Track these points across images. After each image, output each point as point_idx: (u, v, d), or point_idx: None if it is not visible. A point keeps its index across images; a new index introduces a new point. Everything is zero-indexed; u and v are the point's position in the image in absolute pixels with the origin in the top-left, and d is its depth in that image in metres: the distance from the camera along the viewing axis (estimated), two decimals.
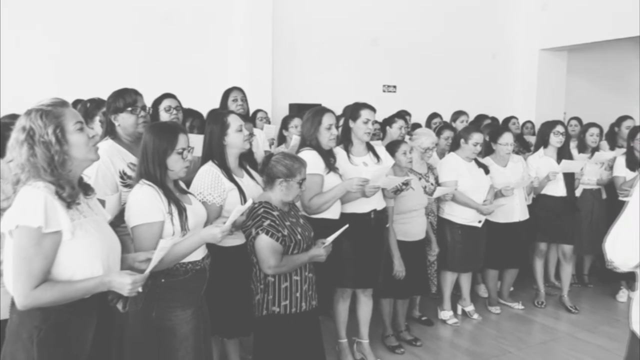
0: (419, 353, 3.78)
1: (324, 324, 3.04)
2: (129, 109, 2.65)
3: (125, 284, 1.76)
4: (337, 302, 3.46)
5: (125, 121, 2.66)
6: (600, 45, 7.89)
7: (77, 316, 1.78)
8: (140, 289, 1.81)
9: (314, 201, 3.09)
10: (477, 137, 4.11)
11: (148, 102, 3.48)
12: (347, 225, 2.79)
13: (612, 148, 5.22)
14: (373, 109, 3.37)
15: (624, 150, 4.86)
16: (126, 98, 2.66)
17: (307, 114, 3.25)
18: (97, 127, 3.07)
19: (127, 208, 2.22)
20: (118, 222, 2.33)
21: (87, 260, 1.78)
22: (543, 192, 4.54)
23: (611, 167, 4.85)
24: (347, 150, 3.36)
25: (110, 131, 2.69)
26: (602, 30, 7.14)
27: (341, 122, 3.49)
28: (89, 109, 3.13)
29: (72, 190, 1.75)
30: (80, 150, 1.80)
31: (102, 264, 1.81)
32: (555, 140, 4.47)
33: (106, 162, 2.51)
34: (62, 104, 1.82)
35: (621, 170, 4.64)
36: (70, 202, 1.74)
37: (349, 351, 3.53)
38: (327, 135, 3.15)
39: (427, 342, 3.94)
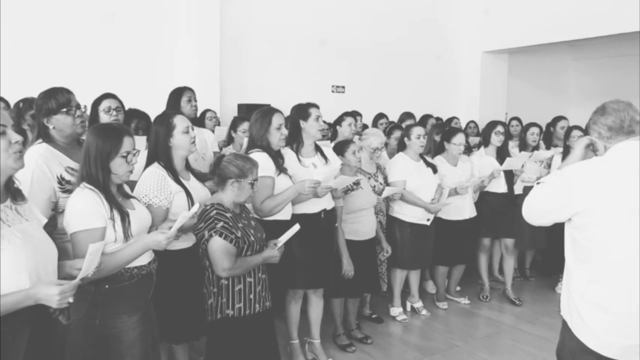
0: (369, 351, 3.83)
1: (276, 325, 3.03)
2: (64, 109, 2.48)
3: (52, 295, 1.65)
4: (288, 304, 3.45)
5: (60, 123, 2.49)
6: (538, 49, 8.25)
7: (6, 328, 1.66)
8: (71, 300, 1.70)
9: (266, 204, 3.07)
10: (417, 130, 4.24)
11: (90, 103, 3.38)
12: (297, 225, 2.79)
13: (547, 147, 5.48)
14: (318, 107, 3.40)
15: (560, 149, 5.10)
16: (59, 98, 2.48)
17: (256, 114, 3.21)
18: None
19: (66, 213, 2.12)
20: (51, 229, 2.22)
21: (12, 273, 1.66)
22: (486, 189, 4.71)
23: (549, 166, 5.07)
24: (297, 151, 3.36)
25: (43, 134, 2.51)
26: (540, 34, 7.47)
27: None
28: (21, 109, 2.97)
29: None
30: None
31: (29, 276, 1.69)
32: (496, 139, 4.67)
33: (41, 166, 2.38)
34: None
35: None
36: None
37: (300, 352, 3.53)
38: (277, 135, 3.13)
39: (377, 339, 3.99)
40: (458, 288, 4.95)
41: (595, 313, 1.87)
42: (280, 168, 3.16)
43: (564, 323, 2.01)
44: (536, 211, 2.04)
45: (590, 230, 1.87)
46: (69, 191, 2.35)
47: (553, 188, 1.97)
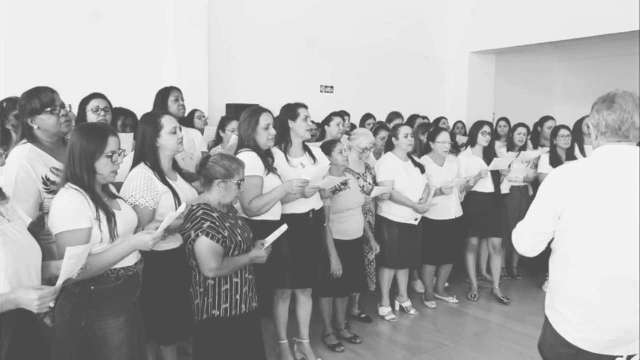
0: (358, 350, 3.83)
1: (265, 326, 3.02)
2: (48, 109, 2.46)
3: (32, 300, 1.64)
4: (276, 304, 3.45)
5: (45, 123, 2.47)
6: (525, 49, 8.31)
7: None
8: (51, 304, 1.69)
9: (254, 204, 3.07)
10: (405, 130, 4.26)
11: (77, 103, 3.34)
12: (285, 226, 2.79)
13: (535, 147, 5.54)
14: (307, 107, 3.40)
15: (547, 149, 5.15)
16: (42, 98, 2.46)
17: (244, 114, 3.21)
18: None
19: (51, 214, 2.10)
20: (38, 229, 2.20)
21: None
22: (473, 189, 4.74)
23: (536, 166, 5.12)
24: (285, 151, 3.36)
25: (27, 135, 2.49)
26: (527, 35, 7.52)
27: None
28: (5, 109, 2.93)
29: None
30: None
31: (8, 280, 1.67)
32: (483, 139, 4.70)
33: (26, 167, 2.36)
34: None
35: (545, 167, 4.90)
36: None
37: (289, 352, 3.53)
38: (265, 135, 3.13)
39: (366, 339, 4.00)
40: (447, 284, 4.97)
41: (573, 308, 1.92)
42: (270, 168, 3.16)
43: (546, 318, 2.05)
44: (531, 237, 2.00)
45: (568, 229, 1.91)
46: (54, 192, 2.32)
47: (537, 203, 1.99)
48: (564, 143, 4.89)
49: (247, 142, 3.14)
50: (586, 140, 4.92)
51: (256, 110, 3.18)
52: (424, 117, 6.29)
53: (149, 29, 5.85)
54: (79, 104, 3.30)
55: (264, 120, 3.13)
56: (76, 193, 2.09)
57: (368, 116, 5.99)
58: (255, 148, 3.13)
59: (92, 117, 3.20)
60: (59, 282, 1.76)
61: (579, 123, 5.06)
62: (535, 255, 2.07)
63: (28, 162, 2.38)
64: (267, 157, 3.18)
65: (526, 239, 2.02)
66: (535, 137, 5.71)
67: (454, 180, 4.45)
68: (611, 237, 1.83)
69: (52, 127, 2.50)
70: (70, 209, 2.06)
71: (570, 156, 4.86)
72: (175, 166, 2.81)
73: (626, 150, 1.87)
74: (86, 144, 2.12)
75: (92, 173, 2.13)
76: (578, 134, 5.01)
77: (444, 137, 4.46)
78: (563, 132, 4.93)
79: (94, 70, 5.32)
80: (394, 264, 4.33)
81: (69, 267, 1.76)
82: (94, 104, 3.23)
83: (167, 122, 2.67)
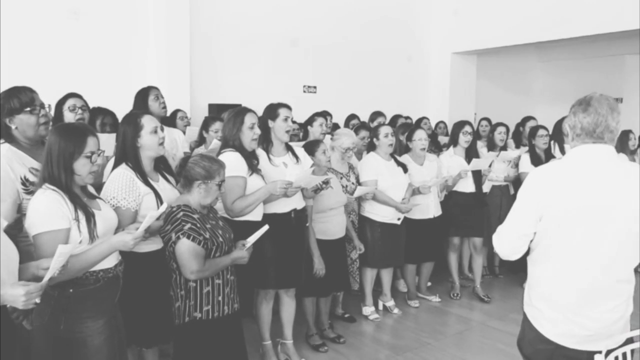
0: (342, 350, 3.84)
1: (248, 327, 3.01)
2: (27, 109, 2.42)
3: (18, 295, 1.62)
4: (260, 304, 3.44)
5: (24, 123, 2.43)
6: (506, 50, 8.40)
7: None
8: (37, 300, 1.67)
9: (237, 204, 3.05)
10: (385, 129, 4.30)
11: (54, 103, 3.30)
12: (267, 226, 2.78)
13: (517, 146, 5.61)
14: (290, 107, 3.39)
15: (527, 148, 5.22)
16: (21, 97, 2.42)
17: (228, 114, 3.20)
18: None
19: (28, 215, 2.06)
20: (16, 232, 2.16)
21: None
22: (454, 189, 4.78)
23: (517, 165, 5.18)
24: (267, 150, 3.35)
25: (5, 135, 2.44)
26: (507, 36, 7.61)
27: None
28: None
29: None
30: None
31: None
32: (464, 139, 4.74)
33: (3, 167, 2.31)
34: None
35: (527, 166, 4.95)
36: None
37: (273, 353, 3.52)
38: (249, 135, 3.11)
39: (350, 338, 4.01)
40: (429, 284, 5.00)
41: (551, 305, 1.95)
42: (254, 168, 3.14)
43: (524, 314, 2.08)
44: (513, 240, 1.99)
45: (547, 228, 1.93)
46: (34, 193, 2.29)
47: (517, 205, 2.01)
48: (542, 143, 4.97)
49: (232, 141, 3.13)
50: (566, 140, 4.99)
51: (241, 110, 3.17)
52: (407, 117, 6.33)
53: (129, 29, 5.79)
54: (55, 104, 3.26)
55: (249, 119, 3.12)
56: (53, 193, 2.05)
57: (352, 117, 6.01)
58: (240, 148, 3.11)
59: (69, 116, 3.16)
60: (45, 278, 1.74)
61: (559, 123, 5.13)
62: (516, 258, 2.06)
63: (6, 162, 2.34)
64: (251, 158, 3.16)
65: (508, 242, 2.01)
66: (517, 136, 5.79)
67: (432, 180, 4.48)
68: (589, 236, 1.86)
69: (31, 128, 2.45)
70: (48, 210, 2.02)
71: (549, 156, 4.94)
72: (157, 166, 2.77)
73: (602, 150, 1.91)
74: (64, 144, 2.08)
75: (69, 173, 2.09)
76: (558, 133, 5.09)
77: (419, 135, 4.51)
78: (541, 132, 5.00)
79: (73, 70, 5.25)
80: (377, 264, 4.34)
81: (57, 264, 1.74)
82: (70, 102, 3.21)
83: (148, 122, 2.64)
